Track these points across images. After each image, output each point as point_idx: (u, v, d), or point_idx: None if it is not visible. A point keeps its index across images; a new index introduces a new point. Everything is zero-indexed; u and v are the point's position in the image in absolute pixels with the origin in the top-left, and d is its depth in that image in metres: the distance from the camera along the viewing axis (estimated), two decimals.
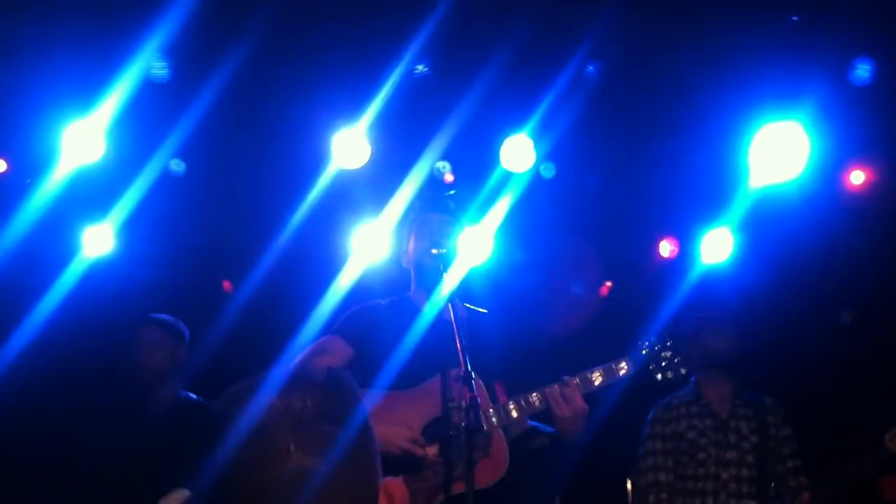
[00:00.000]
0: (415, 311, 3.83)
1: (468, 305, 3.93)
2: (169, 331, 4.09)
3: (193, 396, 4.02)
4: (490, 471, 3.46)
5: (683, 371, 3.68)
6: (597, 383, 3.60)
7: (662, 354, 3.69)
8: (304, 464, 1.25)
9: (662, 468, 4.67)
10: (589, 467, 5.47)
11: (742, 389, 4.75)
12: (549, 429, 3.65)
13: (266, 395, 1.28)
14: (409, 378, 3.61)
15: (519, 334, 3.89)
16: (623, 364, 3.63)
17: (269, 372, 1.33)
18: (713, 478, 4.54)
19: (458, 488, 3.39)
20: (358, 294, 5.08)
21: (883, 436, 4.30)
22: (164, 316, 4.19)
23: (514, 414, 3.57)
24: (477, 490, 3.23)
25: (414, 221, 3.97)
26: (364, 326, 3.81)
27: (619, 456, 5.24)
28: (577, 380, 3.56)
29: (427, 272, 3.82)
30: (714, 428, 4.63)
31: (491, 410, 3.55)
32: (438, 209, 3.96)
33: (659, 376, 3.68)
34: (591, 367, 3.63)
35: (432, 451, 3.56)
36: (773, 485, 4.54)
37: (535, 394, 3.58)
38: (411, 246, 3.95)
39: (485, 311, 3.96)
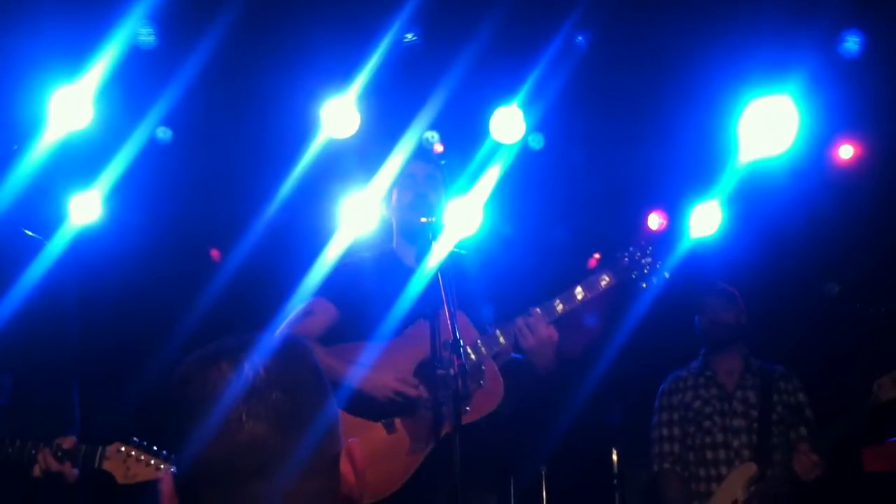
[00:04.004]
0: (399, 265, 3.84)
1: (458, 251, 3.92)
2: None
3: None
4: (487, 399, 3.48)
5: (667, 275, 3.67)
6: (579, 298, 3.60)
7: (643, 261, 3.67)
8: (256, 432, 1.23)
9: (667, 438, 4.75)
10: (575, 437, 5.50)
11: (753, 360, 4.81)
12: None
13: (221, 363, 1.27)
14: (397, 329, 3.63)
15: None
16: (604, 276, 3.63)
17: (225, 339, 1.32)
18: (724, 445, 4.59)
19: (463, 420, 3.42)
20: (346, 265, 5.07)
21: (871, 385, 4.32)
22: None
23: (502, 340, 3.57)
24: (466, 453, 3.25)
25: (398, 172, 3.95)
26: (348, 283, 3.82)
27: (606, 426, 5.27)
28: (540, 309, 3.55)
29: (413, 229, 3.81)
30: (719, 397, 4.70)
31: (479, 341, 3.56)
32: (423, 158, 3.95)
33: (644, 284, 3.67)
34: (571, 286, 3.63)
35: (425, 392, 3.58)
36: (780, 451, 4.55)
37: (508, 325, 3.57)
38: (395, 197, 3.93)
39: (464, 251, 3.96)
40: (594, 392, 5.31)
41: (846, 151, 5.76)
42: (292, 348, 1.33)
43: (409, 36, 5.13)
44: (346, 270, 3.89)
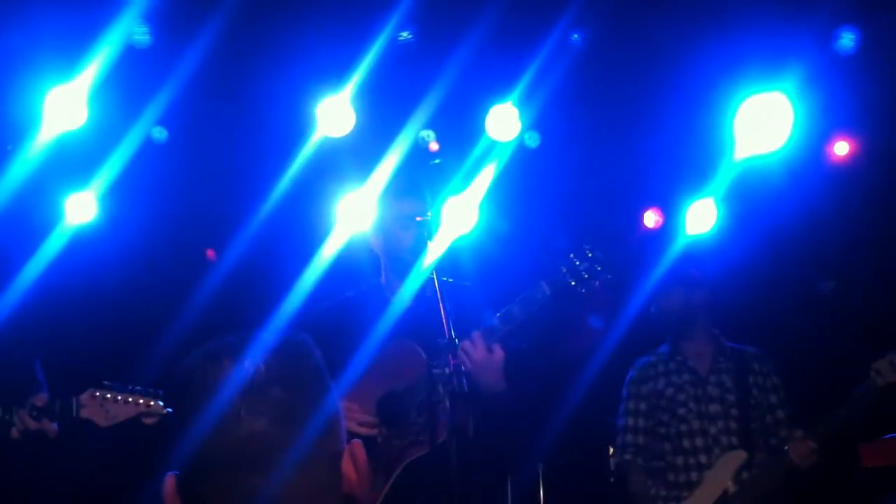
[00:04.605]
0: (386, 300, 3.79)
1: (448, 279, 3.88)
2: None
3: None
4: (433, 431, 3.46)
5: (609, 276, 3.54)
6: (517, 315, 3.53)
7: (581, 266, 3.53)
8: (255, 427, 1.24)
9: (632, 429, 4.65)
10: (573, 435, 5.50)
11: (725, 342, 4.71)
12: None
13: (222, 360, 1.28)
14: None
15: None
16: (541, 288, 3.54)
17: (226, 337, 1.33)
18: (701, 433, 4.48)
19: (414, 454, 3.42)
20: (342, 264, 5.07)
21: (869, 368, 4.26)
22: None
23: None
24: (461, 458, 3.26)
25: (385, 206, 3.91)
26: (331, 326, 3.77)
27: (603, 423, 5.26)
28: (480, 332, 3.48)
29: (403, 253, 3.77)
30: (692, 383, 4.59)
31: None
32: (409, 195, 3.90)
33: (583, 290, 3.54)
34: (508, 304, 3.56)
35: (382, 429, 3.56)
36: (759, 436, 4.49)
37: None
38: (392, 235, 3.89)
39: (468, 283, 3.93)
40: (592, 390, 5.31)
41: (842, 148, 5.76)
42: (293, 345, 1.34)
43: (405, 34, 5.13)
44: (329, 313, 3.86)
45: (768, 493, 4.34)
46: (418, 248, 3.67)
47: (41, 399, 3.46)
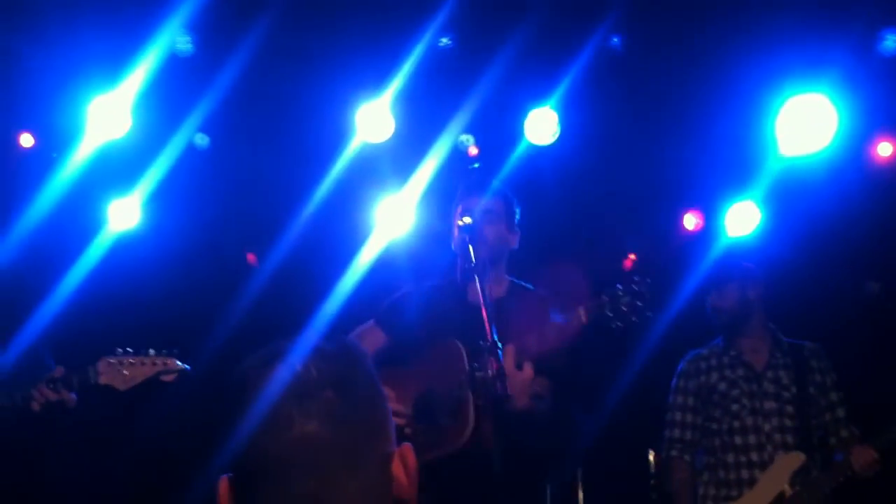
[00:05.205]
0: (457, 294, 3.80)
1: (514, 280, 3.89)
2: None
3: None
4: (456, 436, 3.46)
5: (650, 314, 3.45)
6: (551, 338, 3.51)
7: (623, 299, 3.45)
8: (307, 430, 1.25)
9: (679, 424, 4.53)
10: (612, 438, 5.48)
11: (782, 338, 4.59)
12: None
13: (274, 364, 1.29)
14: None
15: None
16: (578, 312, 3.49)
17: (278, 342, 1.34)
18: (754, 430, 4.35)
19: (434, 454, 3.42)
20: (382, 268, 5.10)
21: None
22: None
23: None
24: (502, 463, 3.26)
25: (458, 205, 3.91)
26: (405, 313, 3.82)
27: (643, 427, 5.24)
28: (512, 346, 3.40)
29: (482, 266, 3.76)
30: (747, 378, 4.45)
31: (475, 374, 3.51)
32: (484, 192, 3.90)
33: (618, 323, 3.45)
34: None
35: (413, 423, 3.58)
36: (818, 435, 4.39)
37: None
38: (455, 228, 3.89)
39: (530, 287, 3.91)
40: (632, 392, 5.29)
41: (885, 149, 5.70)
42: (345, 349, 1.34)
43: (444, 40, 5.15)
44: (405, 300, 3.89)
45: (825, 497, 4.26)
46: (465, 251, 3.66)
47: (59, 370, 3.54)
